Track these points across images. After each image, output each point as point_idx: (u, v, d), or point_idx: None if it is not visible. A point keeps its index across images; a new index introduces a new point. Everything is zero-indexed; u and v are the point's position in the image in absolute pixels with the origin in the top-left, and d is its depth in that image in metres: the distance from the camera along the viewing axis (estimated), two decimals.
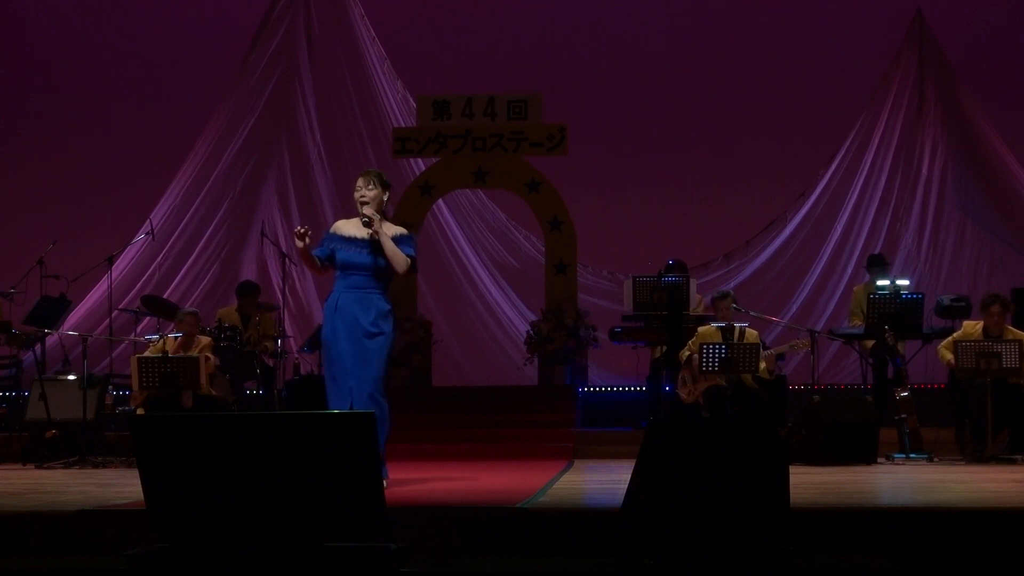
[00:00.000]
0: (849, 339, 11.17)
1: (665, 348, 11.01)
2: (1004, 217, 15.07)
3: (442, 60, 15.44)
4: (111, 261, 12.41)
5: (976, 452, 9.27)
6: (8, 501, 6.31)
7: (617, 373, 14.18)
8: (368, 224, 6.79)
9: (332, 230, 6.97)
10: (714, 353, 9.79)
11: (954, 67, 15.21)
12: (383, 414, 6.72)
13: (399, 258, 6.78)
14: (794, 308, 14.78)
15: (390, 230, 6.89)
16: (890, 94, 15.34)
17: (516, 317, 15.04)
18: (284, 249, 13.96)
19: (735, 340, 10.10)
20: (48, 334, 11.36)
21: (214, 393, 10.04)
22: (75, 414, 9.98)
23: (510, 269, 15.39)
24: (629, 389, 12.97)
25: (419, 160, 14.58)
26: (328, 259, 6.90)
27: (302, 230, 6.70)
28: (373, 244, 6.81)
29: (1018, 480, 7.41)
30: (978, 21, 15.23)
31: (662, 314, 10.73)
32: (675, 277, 10.96)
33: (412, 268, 6.89)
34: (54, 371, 11.21)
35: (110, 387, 11.12)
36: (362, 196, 6.84)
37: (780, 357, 11.30)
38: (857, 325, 10.82)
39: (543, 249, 13.82)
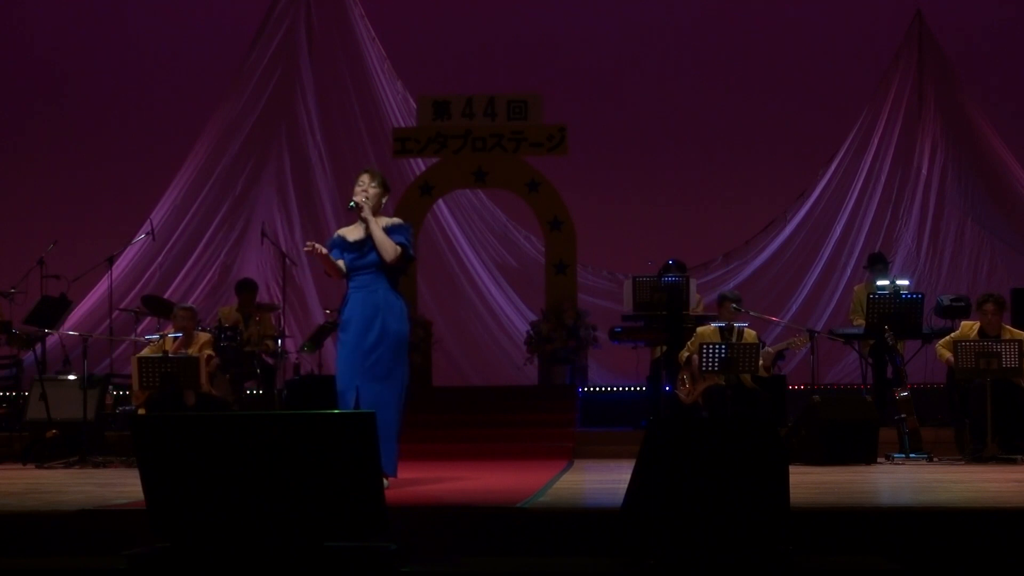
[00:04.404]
0: (849, 339, 11.18)
1: (665, 348, 11.01)
2: (1004, 217, 15.07)
3: (442, 60, 15.44)
4: (111, 261, 12.43)
5: (976, 452, 9.27)
6: (8, 501, 6.31)
7: (617, 373, 14.19)
8: (356, 208, 6.84)
9: (337, 235, 7.07)
10: (714, 353, 9.79)
11: (954, 67, 15.21)
12: (397, 420, 6.82)
13: (387, 245, 6.82)
14: (794, 308, 14.78)
15: (383, 221, 6.97)
16: (890, 94, 15.34)
17: (516, 317, 15.04)
18: (284, 249, 13.97)
19: (734, 340, 10.10)
20: (48, 334, 11.37)
21: (214, 392, 10.04)
22: (75, 414, 9.98)
23: (510, 269, 15.39)
24: (629, 389, 12.96)
25: (419, 160, 14.59)
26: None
27: (308, 248, 6.82)
28: (371, 242, 6.86)
29: (1018, 480, 7.41)
30: (978, 21, 15.23)
31: (662, 314, 10.74)
32: (675, 277, 10.96)
33: (405, 257, 6.92)
34: (54, 371, 11.21)
35: (110, 387, 11.12)
36: (364, 190, 6.90)
37: (780, 356, 11.29)
38: (859, 324, 10.82)
39: (543, 249, 13.83)
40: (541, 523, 5.38)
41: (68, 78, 15.61)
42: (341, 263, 6.95)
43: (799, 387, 11.63)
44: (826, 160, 15.37)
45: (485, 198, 15.30)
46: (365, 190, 6.92)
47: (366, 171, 7.04)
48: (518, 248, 15.34)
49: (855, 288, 11.61)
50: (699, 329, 10.36)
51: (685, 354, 10.24)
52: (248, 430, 4.49)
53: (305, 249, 6.88)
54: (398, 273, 7.03)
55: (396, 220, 7.06)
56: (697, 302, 11.32)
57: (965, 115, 15.21)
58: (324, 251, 6.83)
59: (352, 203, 6.90)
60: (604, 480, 7.66)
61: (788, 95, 15.22)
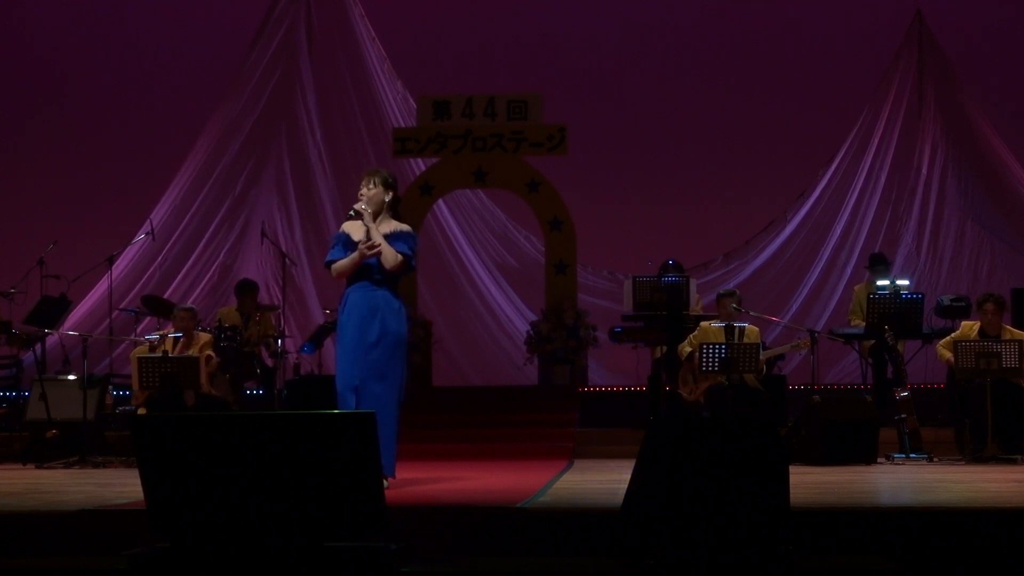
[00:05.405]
0: (849, 339, 11.18)
1: (665, 348, 11.01)
2: (1004, 217, 15.07)
3: (442, 60, 15.44)
4: (111, 261, 12.43)
5: (976, 452, 9.27)
6: (8, 501, 6.31)
7: (617, 373, 14.18)
8: (356, 216, 6.81)
9: (341, 231, 7.00)
10: (714, 353, 9.79)
11: (954, 67, 15.21)
12: (395, 420, 6.80)
13: (387, 252, 6.76)
14: (794, 308, 14.79)
15: (389, 226, 6.89)
16: (890, 94, 15.34)
17: (516, 317, 15.04)
18: (284, 249, 13.97)
19: (736, 340, 10.10)
20: (48, 334, 11.37)
21: (214, 393, 10.04)
22: (75, 414, 9.97)
23: (510, 269, 15.39)
24: (629, 389, 12.96)
25: (419, 160, 14.59)
26: None
27: (367, 249, 6.74)
28: None
29: (1018, 480, 7.41)
30: (978, 21, 15.24)
31: (662, 314, 10.73)
32: (675, 277, 10.96)
33: (405, 266, 6.85)
34: (54, 371, 11.21)
35: (110, 387, 11.12)
36: (360, 195, 6.88)
37: (780, 357, 11.30)
38: (857, 324, 10.83)
39: (543, 249, 13.83)
40: (541, 523, 5.38)
41: (68, 78, 15.61)
42: (347, 260, 6.91)
43: (799, 387, 11.63)
44: (826, 160, 15.37)
45: (485, 198, 15.30)
46: (362, 193, 6.88)
47: (366, 173, 6.99)
48: (518, 248, 15.34)
49: (855, 288, 11.61)
50: (703, 324, 10.36)
51: (687, 349, 10.24)
52: (248, 430, 4.49)
53: (374, 247, 6.73)
54: (398, 276, 6.98)
55: (403, 227, 6.93)
56: (696, 301, 11.32)
57: (965, 115, 15.21)
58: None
59: (352, 211, 6.87)
60: (604, 480, 7.66)
61: (788, 95, 15.22)
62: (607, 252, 15.08)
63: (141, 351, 10.00)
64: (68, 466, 9.48)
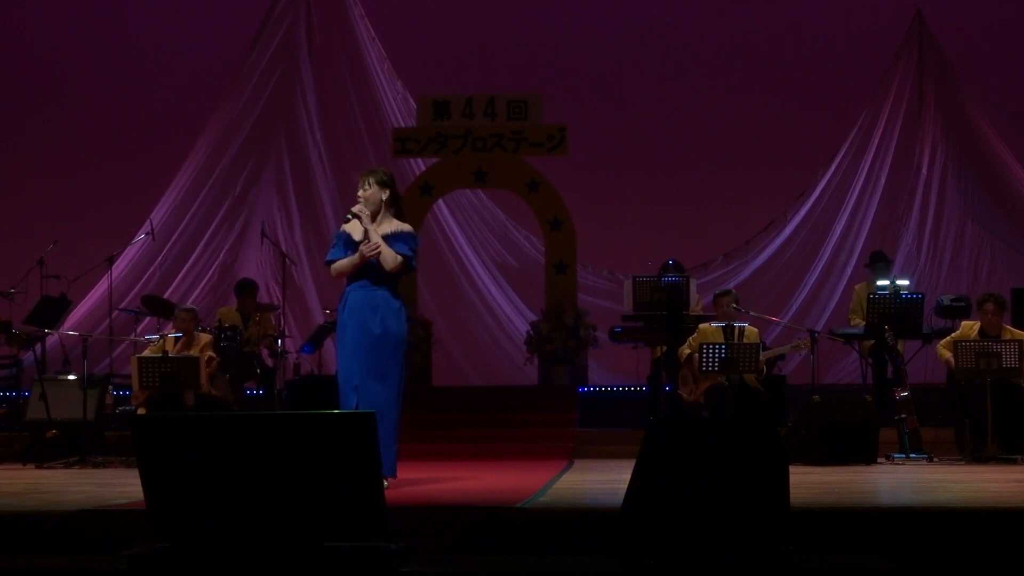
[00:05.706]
0: (849, 339, 11.18)
1: (665, 348, 11.02)
2: (1004, 217, 15.08)
3: (442, 60, 15.44)
4: (111, 261, 12.43)
5: (976, 452, 9.27)
6: (8, 501, 6.31)
7: (617, 373, 14.18)
8: (355, 218, 6.81)
9: (342, 231, 6.98)
10: (714, 353, 9.79)
11: (954, 67, 15.21)
12: (395, 420, 6.78)
13: (387, 255, 6.75)
14: (794, 308, 14.79)
15: (390, 226, 6.87)
16: (890, 94, 15.34)
17: (516, 317, 15.04)
18: (284, 249, 13.97)
19: (735, 340, 10.10)
20: (48, 334, 11.37)
21: (214, 393, 10.04)
22: (75, 414, 9.97)
23: (510, 269, 15.39)
24: (629, 389, 12.96)
25: (419, 160, 14.59)
26: None
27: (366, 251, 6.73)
28: None
29: (1018, 480, 7.42)
30: (978, 21, 15.24)
31: (662, 314, 10.73)
32: (675, 277, 10.96)
33: (405, 267, 6.84)
34: (54, 371, 11.21)
35: (110, 387, 11.12)
36: (358, 196, 6.87)
37: (780, 357, 11.30)
38: (857, 324, 10.83)
39: (543, 249, 13.83)
40: (541, 523, 5.38)
41: (68, 78, 15.61)
42: (347, 261, 6.91)
43: (799, 387, 11.62)
44: (826, 160, 15.37)
45: (485, 198, 15.30)
46: (359, 195, 6.87)
47: (362, 174, 6.97)
48: (518, 248, 15.34)
49: (855, 288, 11.60)
50: (701, 326, 10.36)
51: (687, 351, 10.24)
52: (248, 430, 4.49)
53: (373, 249, 6.72)
54: (398, 275, 6.97)
55: (403, 227, 6.89)
56: (696, 302, 11.32)
57: (965, 115, 15.21)
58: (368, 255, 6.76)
59: (348, 216, 6.86)
60: (604, 480, 7.66)
61: (788, 95, 15.22)
62: (607, 252, 15.08)
63: (153, 350, 10.00)
64: (68, 466, 9.48)
